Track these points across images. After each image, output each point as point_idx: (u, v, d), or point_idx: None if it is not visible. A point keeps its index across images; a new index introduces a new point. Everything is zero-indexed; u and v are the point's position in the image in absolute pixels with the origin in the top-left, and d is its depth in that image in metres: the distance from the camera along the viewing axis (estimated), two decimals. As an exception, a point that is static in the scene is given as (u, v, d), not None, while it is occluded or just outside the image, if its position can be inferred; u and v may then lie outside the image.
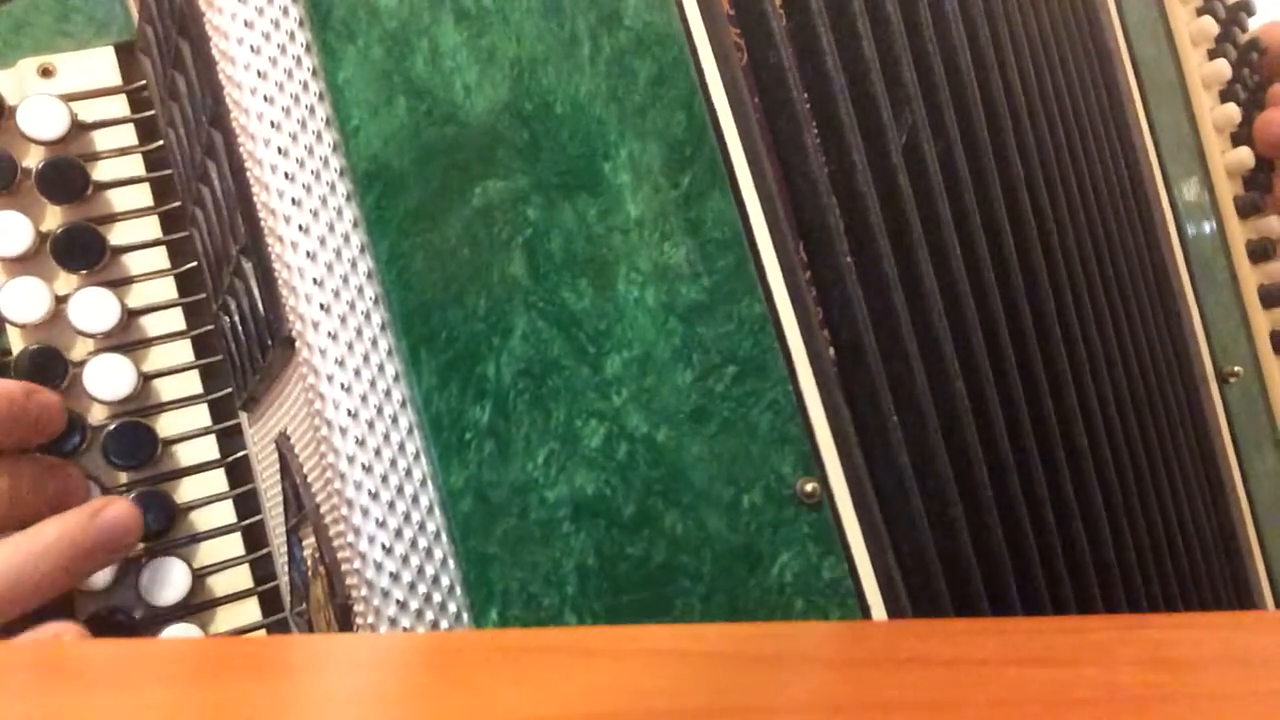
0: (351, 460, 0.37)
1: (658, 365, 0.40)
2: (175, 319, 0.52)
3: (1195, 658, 0.33)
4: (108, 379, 0.50)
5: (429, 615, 0.38)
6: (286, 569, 0.49)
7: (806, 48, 0.46)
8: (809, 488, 0.41)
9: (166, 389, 0.51)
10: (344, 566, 0.39)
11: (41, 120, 0.50)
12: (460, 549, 0.38)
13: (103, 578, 0.49)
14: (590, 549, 0.39)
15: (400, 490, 0.38)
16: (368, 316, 0.38)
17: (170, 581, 0.50)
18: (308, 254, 0.38)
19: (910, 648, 0.35)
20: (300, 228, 0.38)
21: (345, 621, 0.40)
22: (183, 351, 0.52)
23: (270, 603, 0.51)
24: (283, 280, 0.38)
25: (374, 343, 0.38)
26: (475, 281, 0.39)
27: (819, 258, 0.45)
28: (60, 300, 0.50)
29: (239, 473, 0.52)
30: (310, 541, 0.45)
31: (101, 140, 0.52)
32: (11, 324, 0.50)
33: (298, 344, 0.38)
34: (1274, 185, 0.65)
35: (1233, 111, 0.64)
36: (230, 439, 0.52)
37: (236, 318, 0.46)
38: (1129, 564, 0.51)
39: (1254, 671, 0.31)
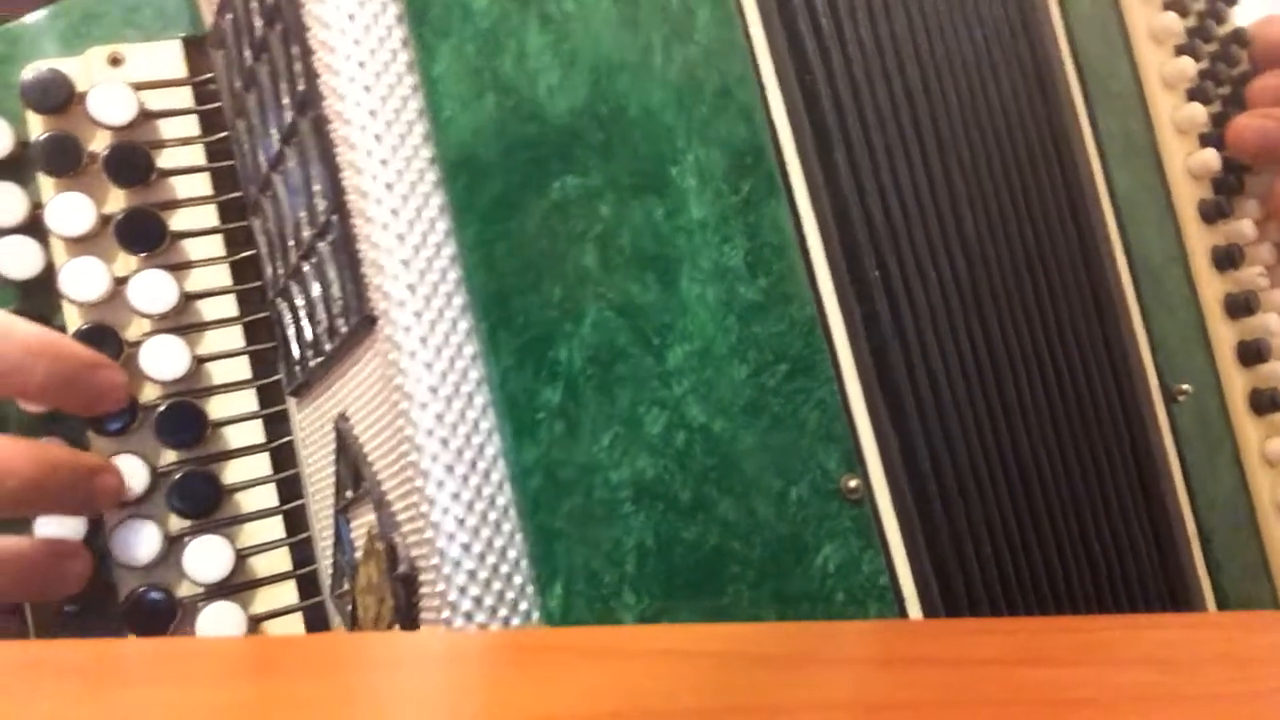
0: (430, 434, 0.39)
1: (716, 359, 0.42)
2: (229, 305, 0.53)
3: (1195, 658, 0.35)
4: (163, 359, 0.51)
5: (495, 585, 0.39)
6: (330, 552, 0.51)
7: (825, 70, 0.47)
8: (852, 484, 0.43)
9: (217, 372, 0.53)
10: (412, 539, 0.41)
11: (111, 106, 0.51)
12: (529, 524, 0.39)
13: (146, 553, 0.50)
14: (649, 530, 0.40)
15: (474, 465, 0.39)
16: (450, 298, 0.40)
17: (214, 559, 0.51)
18: (398, 236, 0.39)
19: (913, 648, 0.37)
20: (391, 211, 0.40)
21: (408, 594, 0.41)
22: (235, 337, 0.53)
23: (308, 586, 0.53)
24: (369, 260, 0.40)
25: (454, 323, 0.40)
26: (551, 270, 0.41)
27: (850, 270, 0.47)
28: (119, 281, 0.51)
29: (283, 458, 0.53)
30: (364, 520, 0.46)
31: (166, 129, 0.53)
32: (70, 301, 0.51)
33: (380, 321, 0.40)
34: (1250, 187, 0.59)
35: (1197, 112, 0.58)
36: (277, 424, 0.53)
37: (302, 301, 0.48)
38: (1071, 586, 0.51)
39: (1254, 671, 0.33)
